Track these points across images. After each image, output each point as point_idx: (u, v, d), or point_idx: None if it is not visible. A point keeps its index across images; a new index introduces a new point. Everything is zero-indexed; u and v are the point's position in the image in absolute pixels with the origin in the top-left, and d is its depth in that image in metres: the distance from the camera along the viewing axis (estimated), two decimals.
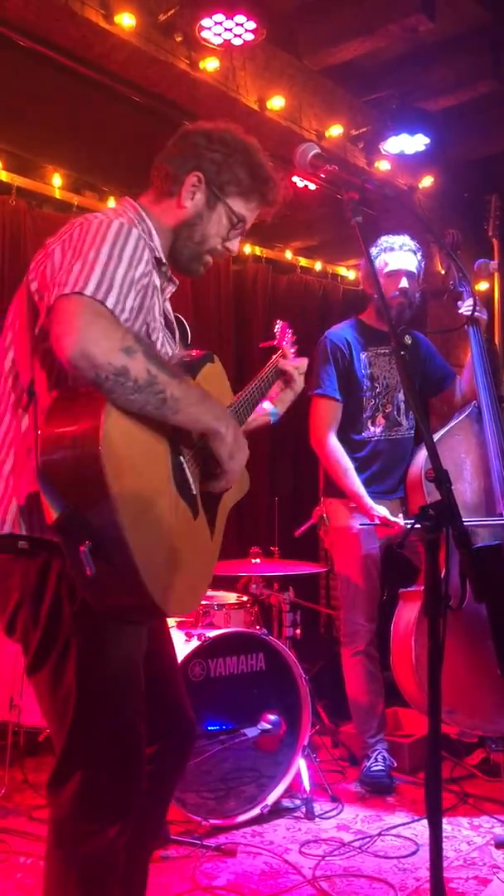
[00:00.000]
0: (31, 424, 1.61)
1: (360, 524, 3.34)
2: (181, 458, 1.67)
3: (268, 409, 2.27)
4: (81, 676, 1.59)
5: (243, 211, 1.88)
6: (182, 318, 1.99)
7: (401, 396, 3.50)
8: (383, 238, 3.50)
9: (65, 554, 1.44)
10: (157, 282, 1.74)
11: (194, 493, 1.71)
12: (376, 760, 3.37)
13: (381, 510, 3.28)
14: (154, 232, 1.81)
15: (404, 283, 3.41)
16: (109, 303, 1.48)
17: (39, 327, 1.61)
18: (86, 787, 1.59)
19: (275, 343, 2.43)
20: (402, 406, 3.52)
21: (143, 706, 1.68)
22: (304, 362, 2.32)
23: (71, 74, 3.63)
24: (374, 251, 3.45)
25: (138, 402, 1.48)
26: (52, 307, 1.48)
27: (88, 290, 1.46)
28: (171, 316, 1.89)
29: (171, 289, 1.89)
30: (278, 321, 2.51)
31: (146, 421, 1.54)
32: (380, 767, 3.35)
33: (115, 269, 1.51)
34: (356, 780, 3.42)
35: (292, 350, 2.43)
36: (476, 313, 3.42)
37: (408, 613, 3.26)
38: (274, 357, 2.32)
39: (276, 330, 2.49)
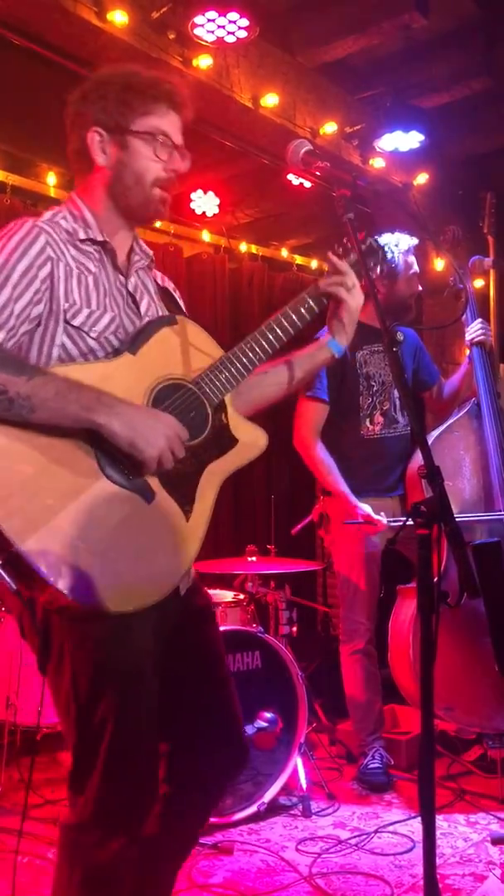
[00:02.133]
0: None
1: (345, 522, 3.34)
2: (107, 445, 1.60)
3: (323, 341, 2.02)
4: (76, 683, 1.59)
5: (155, 125, 1.78)
6: (171, 289, 1.95)
7: (397, 393, 3.50)
8: (398, 236, 3.47)
9: None
10: (89, 264, 1.73)
11: (139, 476, 1.63)
12: (373, 758, 3.37)
13: (365, 508, 3.28)
14: (89, 214, 1.78)
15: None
16: None
17: None
18: (92, 797, 1.58)
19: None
20: (399, 403, 3.51)
21: (154, 719, 1.64)
22: (347, 276, 1.96)
23: (64, 72, 3.62)
24: (392, 249, 3.42)
25: None
26: None
27: None
28: (142, 289, 1.84)
29: (141, 262, 1.86)
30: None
31: (39, 426, 1.53)
32: (377, 765, 3.35)
33: None
34: (353, 778, 3.42)
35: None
36: (481, 336, 3.42)
37: (405, 610, 3.26)
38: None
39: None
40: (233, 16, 3.51)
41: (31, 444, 1.54)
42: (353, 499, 3.32)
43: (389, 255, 3.42)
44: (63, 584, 1.48)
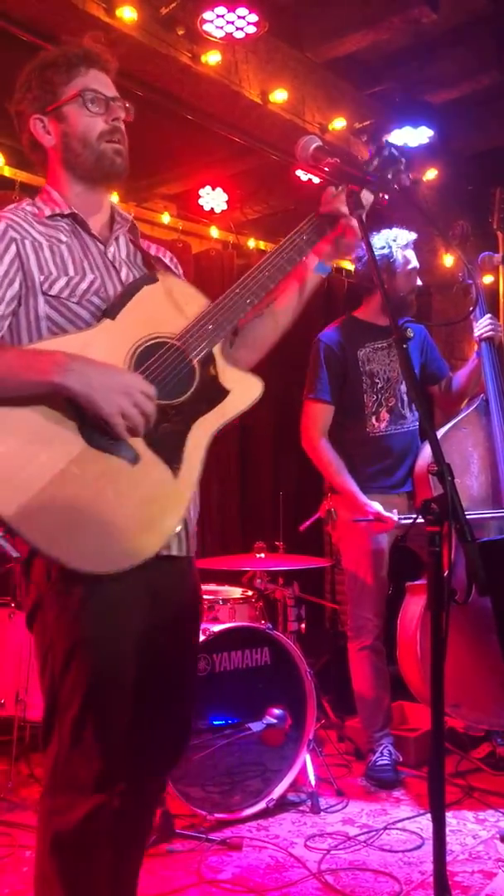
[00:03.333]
0: None
1: (355, 520, 3.34)
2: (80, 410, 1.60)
3: (310, 265, 1.96)
4: (53, 651, 1.64)
5: (81, 85, 1.80)
6: (162, 256, 1.95)
7: (403, 388, 3.48)
8: (396, 232, 3.48)
9: None
10: (59, 235, 1.77)
11: (120, 438, 1.62)
12: (382, 754, 3.37)
13: (376, 506, 3.28)
14: (56, 195, 1.82)
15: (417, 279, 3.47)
16: None
17: None
18: (60, 762, 1.63)
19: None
20: (406, 398, 3.50)
21: (127, 695, 1.66)
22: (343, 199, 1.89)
23: None
24: (390, 244, 3.43)
25: None
26: None
27: None
28: (121, 258, 1.84)
29: (122, 227, 1.87)
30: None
31: (18, 399, 1.57)
32: (385, 762, 3.35)
33: None
34: (362, 775, 3.42)
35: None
36: (490, 332, 3.40)
37: (414, 607, 3.26)
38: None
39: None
40: (241, 11, 3.51)
41: (14, 416, 1.56)
42: (362, 497, 3.32)
43: (387, 251, 3.40)
44: (47, 548, 1.53)
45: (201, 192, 4.93)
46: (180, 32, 3.61)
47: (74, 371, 1.55)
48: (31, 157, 1.91)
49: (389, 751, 3.38)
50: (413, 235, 3.50)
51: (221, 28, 3.59)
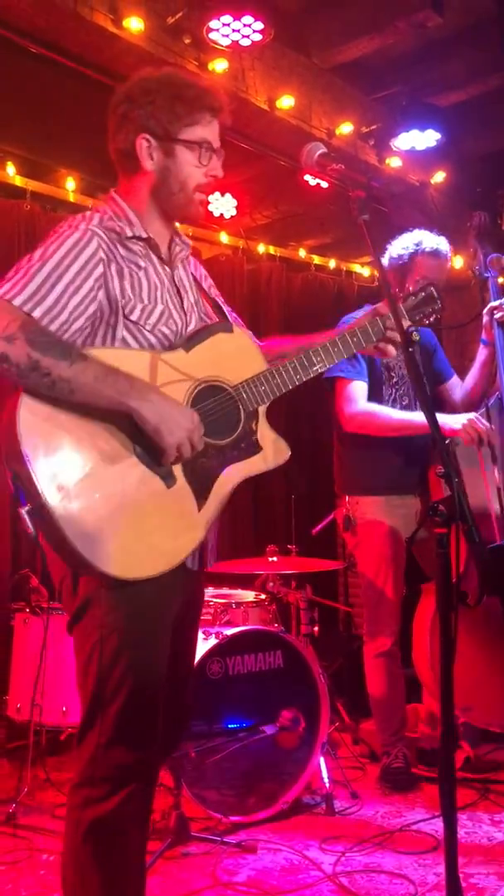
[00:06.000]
0: None
1: (452, 443, 3.23)
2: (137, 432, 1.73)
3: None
4: (102, 646, 1.72)
5: (200, 134, 1.88)
6: (203, 281, 2.08)
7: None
8: (421, 234, 3.41)
9: None
10: (138, 260, 1.85)
11: (166, 464, 1.76)
12: (396, 757, 3.37)
13: (459, 419, 3.23)
14: (133, 214, 1.88)
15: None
16: (17, 300, 1.66)
17: None
18: (103, 753, 1.72)
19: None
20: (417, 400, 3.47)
21: (163, 686, 1.78)
22: (395, 337, 2.04)
23: (81, 79, 3.66)
24: (411, 248, 3.38)
25: (30, 385, 1.64)
26: None
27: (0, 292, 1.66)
28: (183, 282, 1.96)
29: (184, 252, 1.97)
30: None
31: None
32: (400, 764, 3.35)
33: (38, 269, 1.70)
34: (377, 777, 3.42)
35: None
36: None
37: (427, 608, 3.25)
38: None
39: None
40: (247, 19, 3.53)
41: (73, 415, 1.68)
42: (443, 418, 3.21)
43: (405, 253, 3.39)
44: (75, 539, 1.62)
45: (210, 198, 4.93)
46: (187, 41, 3.64)
47: (151, 402, 1.70)
48: (114, 158, 1.94)
49: (404, 753, 3.38)
50: (440, 241, 3.41)
51: (227, 36, 3.61)
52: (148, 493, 1.74)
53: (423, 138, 4.52)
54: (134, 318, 1.80)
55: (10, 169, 4.24)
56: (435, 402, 3.66)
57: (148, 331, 1.83)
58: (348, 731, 3.84)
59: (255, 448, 1.91)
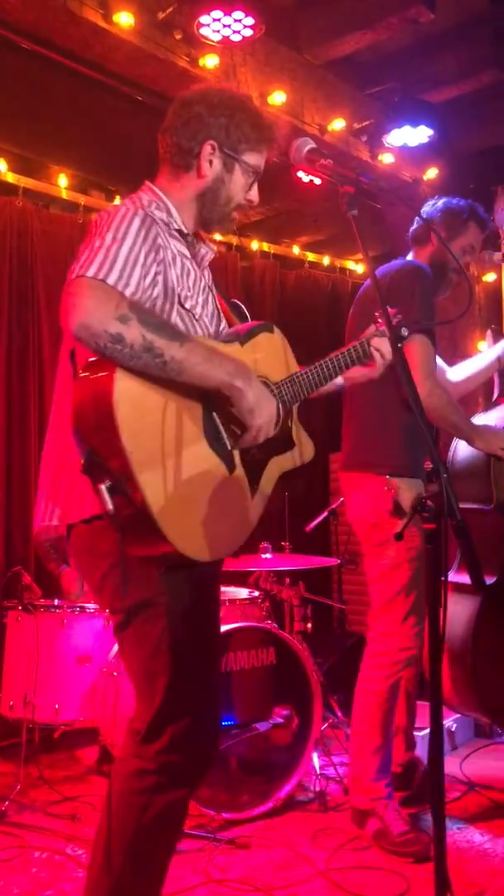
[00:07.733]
0: None
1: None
2: (214, 414, 1.78)
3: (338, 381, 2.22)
4: (172, 630, 1.75)
5: (256, 161, 1.97)
6: (238, 303, 2.14)
7: None
8: None
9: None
10: (185, 251, 1.89)
11: (229, 447, 1.81)
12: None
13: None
14: (173, 208, 1.92)
15: None
16: (111, 280, 1.63)
17: None
18: (179, 738, 1.75)
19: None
20: None
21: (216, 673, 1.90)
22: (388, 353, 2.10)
23: (72, 74, 3.66)
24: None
25: (139, 365, 1.61)
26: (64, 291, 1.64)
27: (90, 272, 1.62)
28: (207, 284, 2.01)
29: (209, 255, 2.01)
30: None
31: (165, 381, 1.66)
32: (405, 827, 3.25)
33: (118, 249, 1.67)
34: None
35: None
36: None
37: (459, 607, 3.03)
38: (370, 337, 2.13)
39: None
40: (238, 14, 3.51)
41: (161, 394, 1.68)
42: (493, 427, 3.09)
43: (463, 209, 3.15)
44: (159, 516, 1.61)
45: None
46: (178, 37, 3.62)
47: (253, 385, 1.75)
48: (168, 150, 1.95)
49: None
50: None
51: (218, 31, 3.60)
52: (213, 476, 1.78)
53: (415, 134, 4.51)
54: (188, 305, 1.85)
55: (2, 165, 4.22)
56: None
57: (196, 319, 1.88)
58: (342, 727, 3.84)
59: (291, 444, 2.03)
